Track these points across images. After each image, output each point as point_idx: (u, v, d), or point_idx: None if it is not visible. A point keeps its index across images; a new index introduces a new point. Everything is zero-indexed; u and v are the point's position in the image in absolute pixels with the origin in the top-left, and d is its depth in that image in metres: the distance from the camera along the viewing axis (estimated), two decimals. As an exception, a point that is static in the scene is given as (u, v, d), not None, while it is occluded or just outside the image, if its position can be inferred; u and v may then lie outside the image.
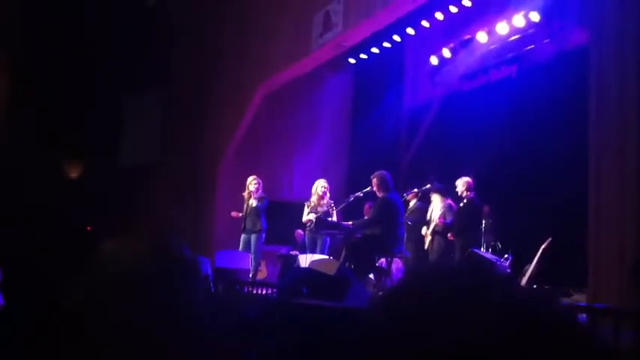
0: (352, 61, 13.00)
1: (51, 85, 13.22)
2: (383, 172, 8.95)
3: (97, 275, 1.14)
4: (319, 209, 10.02)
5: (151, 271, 1.13)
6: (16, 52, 13.39)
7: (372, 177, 8.95)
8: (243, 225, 10.67)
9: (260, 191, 10.67)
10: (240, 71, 12.58)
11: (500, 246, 9.94)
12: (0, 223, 12.08)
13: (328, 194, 10.26)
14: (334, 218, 9.91)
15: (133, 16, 13.32)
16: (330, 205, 10.07)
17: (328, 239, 10.11)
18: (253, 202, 10.59)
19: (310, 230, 9.99)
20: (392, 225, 8.71)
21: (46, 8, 13.10)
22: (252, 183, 10.72)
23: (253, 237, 10.52)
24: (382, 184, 8.82)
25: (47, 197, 12.60)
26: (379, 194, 8.88)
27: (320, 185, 10.25)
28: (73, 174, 14.29)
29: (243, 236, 10.67)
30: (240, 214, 10.64)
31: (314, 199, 10.19)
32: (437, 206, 9.90)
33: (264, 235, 10.58)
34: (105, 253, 1.17)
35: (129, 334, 1.07)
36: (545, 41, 10.64)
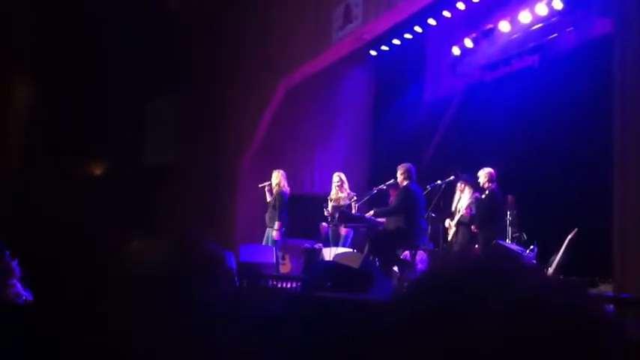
0: (373, 53, 12.94)
1: (70, 85, 13.32)
2: (410, 164, 9.09)
3: (123, 275, 1.15)
4: (341, 202, 10.08)
5: (177, 269, 1.14)
6: (34, 57, 13.51)
7: (398, 167, 9.08)
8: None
9: (281, 185, 10.76)
10: (261, 66, 12.58)
11: (525, 237, 9.86)
12: (25, 224, 12.23)
13: (346, 186, 10.31)
14: (354, 210, 9.96)
15: (153, 14, 13.37)
16: (351, 198, 10.09)
17: (351, 232, 10.15)
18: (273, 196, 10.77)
19: (333, 224, 10.06)
20: (414, 215, 8.74)
21: (64, 10, 13.18)
22: (275, 176, 10.83)
23: (270, 231, 10.63)
24: (407, 175, 8.94)
25: (70, 198, 12.71)
26: (402, 184, 8.96)
27: (335, 178, 10.35)
28: (95, 175, 14.40)
29: (267, 230, 10.81)
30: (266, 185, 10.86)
31: (332, 192, 10.29)
32: (465, 198, 9.87)
33: (281, 230, 10.67)
34: (130, 252, 1.17)
35: (154, 332, 1.07)
36: (569, 30, 10.52)
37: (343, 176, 10.48)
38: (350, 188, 10.57)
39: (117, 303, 1.11)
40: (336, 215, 9.88)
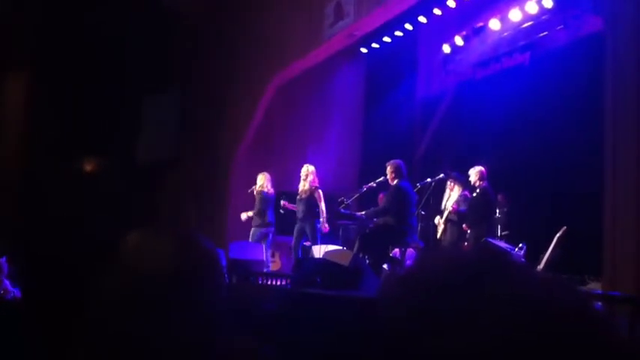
0: (364, 50, 12.96)
1: (66, 85, 13.27)
2: (398, 160, 9.02)
3: (122, 272, 1.14)
4: (303, 196, 10.13)
5: (177, 266, 1.13)
6: (33, 54, 13.46)
7: (387, 164, 9.02)
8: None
9: (264, 187, 10.96)
10: (253, 63, 12.58)
11: (514, 235, 9.89)
12: (24, 223, 12.19)
13: (311, 177, 10.29)
14: (320, 203, 10.10)
15: (148, 14, 13.34)
16: (313, 190, 10.14)
17: (317, 226, 10.18)
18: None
19: (299, 219, 10.14)
20: (404, 214, 8.72)
21: (64, 9, 13.14)
22: (259, 179, 10.94)
23: (255, 231, 10.90)
24: (396, 172, 8.87)
25: (65, 197, 12.68)
26: (392, 182, 8.91)
27: (303, 169, 10.36)
28: (90, 174, 14.36)
29: (252, 229, 10.93)
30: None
31: (300, 184, 10.32)
32: (454, 196, 9.89)
33: (270, 230, 10.90)
34: (128, 249, 1.16)
35: (154, 329, 1.07)
36: (559, 28, 10.55)
37: (310, 168, 10.45)
38: (342, 184, 10.60)
39: (116, 301, 1.10)
40: (301, 207, 10.09)
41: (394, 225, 8.69)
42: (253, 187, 11.08)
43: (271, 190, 10.95)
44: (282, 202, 10.60)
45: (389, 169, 8.95)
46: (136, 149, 14.29)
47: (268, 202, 10.85)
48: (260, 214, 10.83)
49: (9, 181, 13.16)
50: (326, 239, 10.49)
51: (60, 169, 13.24)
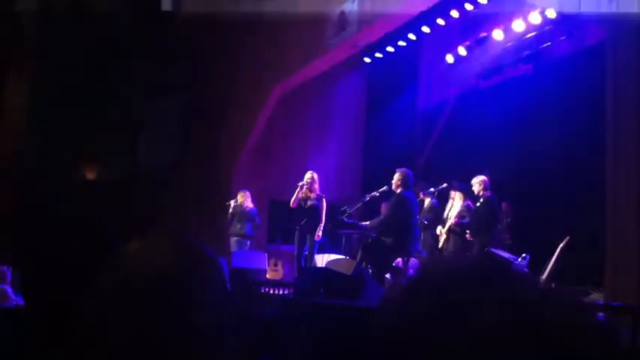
0: (367, 60, 12.96)
1: (68, 87, 13.30)
2: (408, 170, 8.92)
3: (120, 274, 1.14)
4: (309, 203, 10.04)
5: (176, 270, 1.13)
6: (34, 56, 13.50)
7: (397, 170, 8.89)
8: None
9: (246, 204, 11.47)
10: (256, 71, 12.57)
11: (517, 245, 9.86)
12: (18, 225, 12.17)
13: (316, 185, 10.22)
14: (323, 212, 10.09)
15: (150, 20, 13.37)
16: (319, 198, 10.10)
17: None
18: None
19: (300, 227, 10.06)
20: (407, 223, 8.68)
21: (65, 9, 13.18)
22: (240, 196, 11.49)
23: (235, 240, 11.52)
24: (403, 181, 8.77)
25: (65, 200, 12.68)
26: (396, 190, 8.81)
27: (306, 177, 10.26)
28: (91, 177, 14.37)
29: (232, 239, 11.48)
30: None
31: (303, 191, 10.19)
32: (456, 205, 9.86)
33: (247, 242, 11.43)
34: (128, 253, 1.17)
35: (152, 334, 1.07)
36: (562, 38, 10.57)
37: (315, 176, 10.34)
38: (343, 193, 10.58)
39: (116, 302, 1.11)
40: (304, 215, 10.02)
41: (397, 234, 8.65)
42: (231, 201, 11.53)
43: (250, 206, 11.42)
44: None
45: (397, 176, 8.81)
46: (136, 153, 14.30)
47: (247, 216, 11.35)
48: (239, 226, 11.34)
49: (9, 181, 13.16)
50: (329, 248, 10.46)
51: (60, 170, 13.24)
